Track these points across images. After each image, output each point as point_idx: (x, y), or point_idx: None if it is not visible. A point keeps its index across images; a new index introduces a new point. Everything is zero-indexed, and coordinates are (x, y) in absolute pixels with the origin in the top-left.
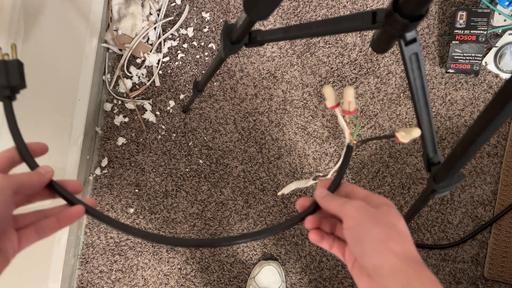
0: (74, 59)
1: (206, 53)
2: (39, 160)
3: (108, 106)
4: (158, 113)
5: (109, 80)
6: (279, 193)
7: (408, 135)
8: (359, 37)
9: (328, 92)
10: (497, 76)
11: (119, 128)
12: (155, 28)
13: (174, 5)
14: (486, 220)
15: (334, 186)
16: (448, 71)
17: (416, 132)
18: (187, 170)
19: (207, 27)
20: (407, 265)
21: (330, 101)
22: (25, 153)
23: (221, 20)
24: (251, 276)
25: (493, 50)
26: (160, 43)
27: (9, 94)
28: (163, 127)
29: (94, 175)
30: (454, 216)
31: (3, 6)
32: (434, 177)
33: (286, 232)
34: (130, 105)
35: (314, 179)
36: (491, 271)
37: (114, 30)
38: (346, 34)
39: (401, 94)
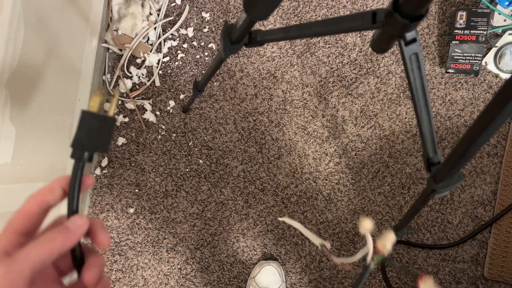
0: (74, 59)
1: (206, 53)
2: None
3: (108, 106)
4: (158, 113)
5: (109, 80)
6: (280, 219)
7: (385, 243)
8: (359, 37)
9: (367, 227)
10: (497, 76)
11: (119, 128)
12: (155, 28)
13: (174, 5)
14: (486, 220)
15: None
16: (448, 71)
17: (390, 238)
18: (187, 170)
19: (207, 27)
20: None
21: (367, 233)
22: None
23: (221, 20)
24: (251, 276)
25: (493, 50)
26: (160, 43)
27: (86, 159)
28: (163, 127)
29: (94, 175)
30: (454, 216)
31: (2, 7)
32: (434, 177)
33: (286, 232)
34: (130, 105)
35: (320, 245)
36: (491, 271)
37: (114, 30)
38: (346, 34)
39: (401, 94)
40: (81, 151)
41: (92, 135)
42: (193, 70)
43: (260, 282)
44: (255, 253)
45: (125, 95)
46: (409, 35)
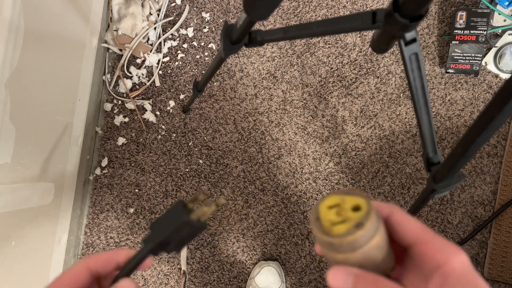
0: (74, 59)
1: (206, 53)
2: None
3: (108, 106)
4: (158, 113)
5: (109, 80)
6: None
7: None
8: (359, 37)
9: None
10: (497, 76)
11: (119, 128)
12: (155, 28)
13: (174, 5)
14: (486, 220)
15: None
16: (448, 71)
17: None
18: (187, 170)
19: (207, 27)
20: None
21: None
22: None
23: (221, 20)
24: (251, 276)
25: (493, 50)
26: (160, 43)
27: (154, 252)
28: (163, 127)
29: (94, 175)
30: (454, 216)
31: (2, 7)
32: (434, 177)
33: (286, 232)
34: (130, 105)
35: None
36: (491, 271)
37: (114, 30)
38: (346, 34)
39: (401, 94)
40: (157, 245)
41: (177, 236)
42: (193, 70)
43: (260, 282)
44: (255, 253)
45: (125, 95)
46: (409, 35)
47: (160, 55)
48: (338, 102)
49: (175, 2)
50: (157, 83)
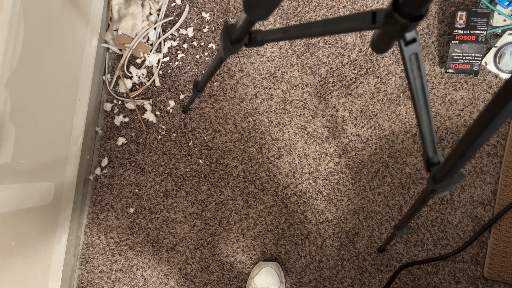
0: (74, 59)
1: (206, 53)
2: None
3: (108, 106)
4: (158, 113)
5: (109, 80)
6: None
7: None
8: (359, 37)
9: None
10: (496, 76)
11: (119, 128)
12: (155, 28)
13: (174, 5)
14: (486, 220)
15: None
16: (447, 71)
17: None
18: (187, 170)
19: (207, 27)
20: None
21: None
22: None
23: (221, 20)
24: (250, 276)
25: (493, 50)
26: (160, 43)
27: None
28: (163, 127)
29: (94, 175)
30: (453, 216)
31: (2, 7)
32: (433, 177)
33: (285, 232)
34: (130, 105)
35: None
36: (491, 271)
37: (114, 30)
38: (346, 34)
39: (401, 94)
40: None
41: None
42: (193, 70)
43: (259, 283)
44: (255, 253)
45: (125, 95)
46: (409, 35)
47: (160, 55)
48: (338, 102)
49: (175, 2)
50: (157, 83)
